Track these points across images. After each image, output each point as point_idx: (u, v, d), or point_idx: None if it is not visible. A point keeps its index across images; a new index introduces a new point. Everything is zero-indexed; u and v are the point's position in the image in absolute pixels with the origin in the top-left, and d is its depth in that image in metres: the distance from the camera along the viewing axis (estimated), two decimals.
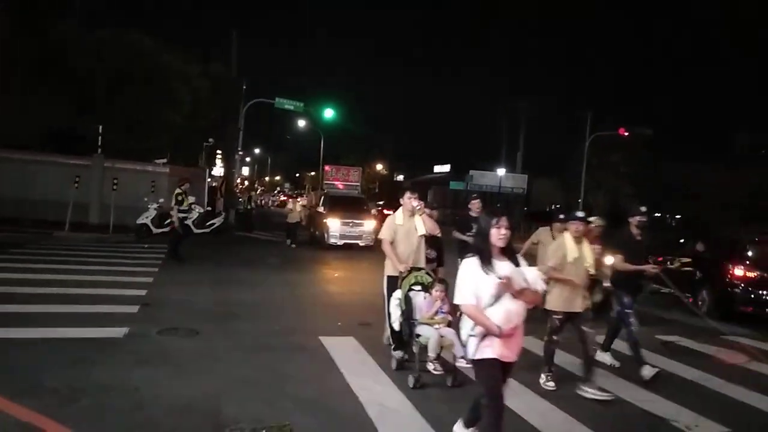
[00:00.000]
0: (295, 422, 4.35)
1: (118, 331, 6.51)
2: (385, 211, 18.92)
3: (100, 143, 19.95)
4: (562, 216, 8.01)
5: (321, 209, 19.02)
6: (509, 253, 3.64)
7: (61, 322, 6.71)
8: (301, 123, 37.29)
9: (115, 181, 17.39)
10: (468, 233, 8.14)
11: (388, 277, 6.20)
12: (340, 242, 17.39)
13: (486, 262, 3.52)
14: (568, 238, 5.76)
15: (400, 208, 6.36)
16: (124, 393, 4.73)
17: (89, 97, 21.63)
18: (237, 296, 9.26)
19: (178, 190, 13.05)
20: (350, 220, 17.74)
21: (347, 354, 6.29)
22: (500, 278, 3.43)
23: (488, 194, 40.95)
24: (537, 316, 5.37)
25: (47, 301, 7.71)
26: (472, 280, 3.51)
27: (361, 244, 17.60)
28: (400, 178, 62.78)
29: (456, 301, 3.56)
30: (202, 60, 26.28)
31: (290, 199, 21.95)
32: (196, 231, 18.40)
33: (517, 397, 5.24)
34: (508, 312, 3.47)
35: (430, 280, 5.96)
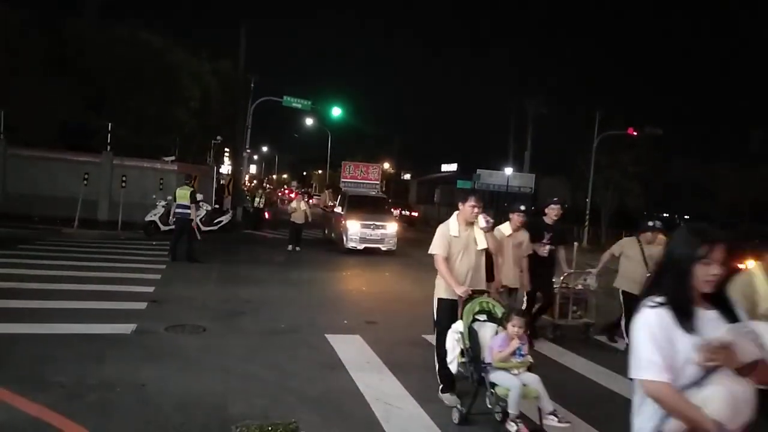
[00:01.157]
0: (300, 419, 4.38)
1: (126, 328, 6.56)
2: (392, 211, 17.77)
3: (109, 140, 20.07)
4: (652, 223, 7.21)
5: (338, 210, 17.41)
6: (719, 298, 2.21)
7: (69, 318, 6.77)
8: (309, 121, 37.33)
9: (124, 178, 17.50)
10: (544, 242, 7.29)
11: (441, 300, 5.17)
12: (360, 246, 15.90)
13: (686, 316, 2.14)
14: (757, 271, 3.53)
15: (454, 216, 5.29)
16: (132, 389, 4.77)
17: (101, 95, 21.80)
18: (244, 293, 9.30)
19: (189, 189, 12.66)
20: (371, 222, 16.12)
21: (353, 352, 6.31)
22: (710, 342, 2.04)
23: (495, 193, 40.93)
24: None
25: (56, 297, 7.78)
26: (662, 344, 2.09)
27: (383, 249, 16.19)
28: (407, 176, 62.73)
29: (635, 375, 2.14)
30: (211, 57, 26.41)
31: (295, 196, 19.07)
32: (204, 229, 18.55)
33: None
34: (732, 398, 2.01)
35: (500, 308, 4.83)
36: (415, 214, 42.31)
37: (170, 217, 15.08)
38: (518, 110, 39.92)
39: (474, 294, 4.89)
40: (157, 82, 21.86)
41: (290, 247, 15.93)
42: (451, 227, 5.20)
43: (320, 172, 75.56)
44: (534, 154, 40.90)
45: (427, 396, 5.07)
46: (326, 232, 19.12)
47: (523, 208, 7.13)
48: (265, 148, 75.68)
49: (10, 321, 6.45)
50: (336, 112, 27.42)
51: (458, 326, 4.73)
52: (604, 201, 32.68)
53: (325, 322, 7.72)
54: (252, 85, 26.18)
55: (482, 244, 5.19)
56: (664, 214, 50.57)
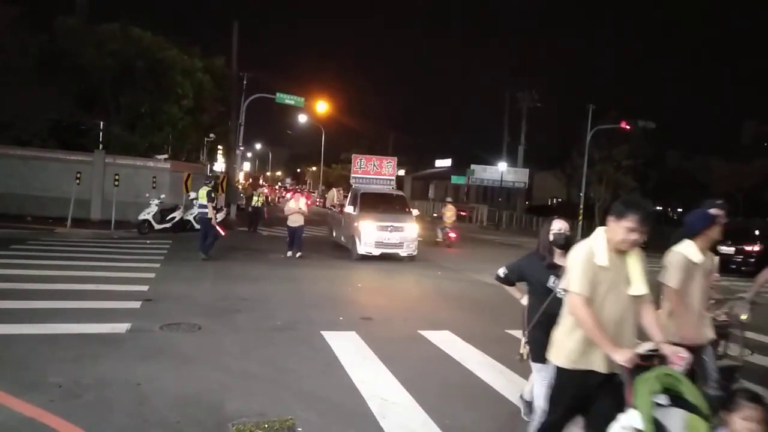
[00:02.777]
0: (297, 416, 4.38)
1: (121, 327, 6.54)
2: (412, 211, 15.45)
3: (101, 139, 19.97)
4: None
5: (349, 209, 15.06)
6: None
7: (64, 318, 6.74)
8: (303, 118, 37.25)
9: (117, 177, 17.42)
10: None
11: (562, 371, 3.25)
12: (376, 252, 13.93)
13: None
14: None
15: (598, 234, 3.30)
16: (128, 388, 4.76)
17: (93, 93, 21.66)
18: (239, 291, 9.28)
19: (208, 188, 12.83)
20: (389, 224, 14.08)
21: (349, 348, 6.32)
22: None
23: (489, 188, 41.01)
24: None
25: (50, 297, 7.74)
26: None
27: (402, 254, 14.29)
28: (402, 172, 62.71)
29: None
30: (204, 54, 26.30)
31: (292, 194, 16.27)
32: (197, 226, 18.50)
33: (517, 387, 5.27)
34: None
35: (689, 385, 2.91)
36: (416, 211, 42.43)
37: (193, 216, 16.36)
38: (512, 105, 39.95)
39: (644, 361, 2.99)
40: (149, 80, 21.73)
41: (289, 253, 13.92)
42: (596, 251, 3.22)
43: (314, 168, 75.42)
44: (528, 149, 41.02)
45: (423, 391, 5.08)
46: (334, 234, 17.31)
47: (719, 202, 4.26)
48: (258, 145, 75.54)
49: (3, 322, 6.42)
50: (327, 108, 27.53)
51: (631, 419, 2.82)
52: (598, 195, 32.80)
53: (321, 318, 7.72)
54: (244, 82, 26.10)
55: (640, 287, 3.24)
56: (658, 208, 50.87)
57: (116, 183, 17.26)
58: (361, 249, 13.92)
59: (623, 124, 28.64)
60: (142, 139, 22.57)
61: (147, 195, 17.74)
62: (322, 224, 20.32)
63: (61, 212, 16.70)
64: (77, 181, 16.80)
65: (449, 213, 20.27)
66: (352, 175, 17.07)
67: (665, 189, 44.75)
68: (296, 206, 14.00)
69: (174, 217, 17.83)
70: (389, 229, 14.08)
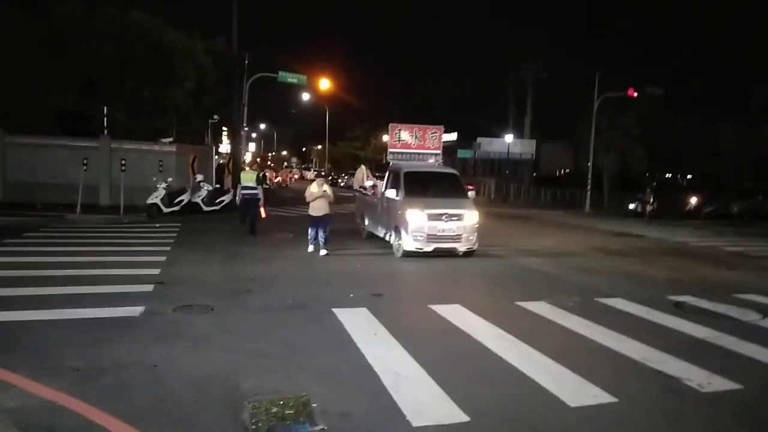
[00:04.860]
0: (311, 392, 4.43)
1: (135, 310, 6.62)
2: (469, 192, 12.63)
3: (106, 124, 19.98)
4: None
5: (390, 193, 12.06)
6: None
7: (78, 303, 6.83)
8: (306, 96, 36.95)
9: (123, 162, 17.47)
10: None
11: None
12: (428, 247, 11.07)
13: None
14: None
15: None
16: (144, 370, 4.83)
17: (95, 78, 21.60)
18: (249, 271, 9.35)
19: (256, 172, 14.62)
20: (443, 211, 11.20)
21: (360, 324, 6.36)
22: None
23: (496, 161, 40.74)
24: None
25: (63, 283, 7.83)
26: None
27: (460, 250, 11.36)
28: None
29: None
30: (204, 36, 26.10)
31: (315, 178, 14.43)
32: (206, 209, 18.58)
33: (527, 357, 5.31)
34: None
35: None
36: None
37: (237, 198, 16.03)
38: (517, 76, 39.44)
39: None
40: (150, 63, 21.63)
41: (311, 247, 11.60)
42: None
43: (319, 147, 75.22)
44: (534, 120, 40.64)
45: (435, 364, 5.12)
46: (366, 223, 14.11)
47: None
48: (263, 126, 75.23)
49: (20, 308, 6.51)
50: (330, 85, 27.28)
51: None
52: (607, 164, 32.50)
53: (331, 296, 7.77)
54: (246, 61, 25.88)
55: None
56: (667, 175, 50.44)
57: (123, 168, 17.31)
58: (409, 244, 11.09)
59: (630, 92, 28.21)
60: (146, 123, 22.57)
61: (154, 179, 17.80)
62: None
63: (70, 199, 16.80)
64: (84, 167, 16.87)
65: None
66: (390, 149, 14.08)
67: (675, 156, 44.29)
68: (319, 190, 11.41)
69: (182, 200, 17.90)
70: (444, 217, 11.15)
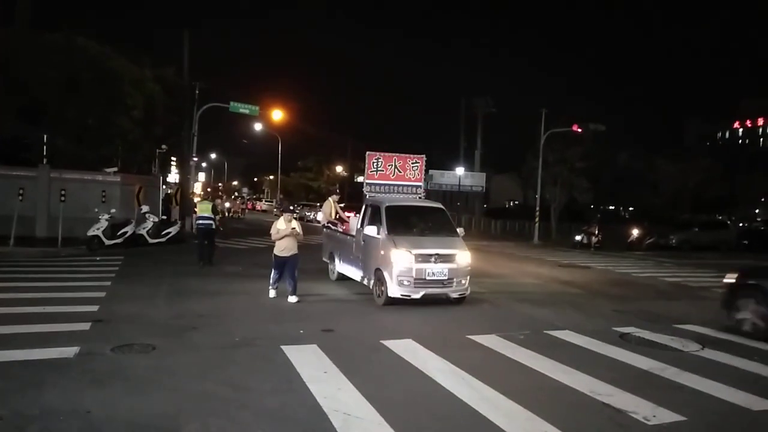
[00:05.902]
0: None
1: (69, 351, 6.22)
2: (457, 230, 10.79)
3: (45, 152, 19.16)
4: None
5: (371, 231, 10.39)
6: None
7: (6, 344, 6.37)
8: (258, 127, 36.73)
9: (63, 192, 16.71)
10: None
11: None
12: (416, 294, 9.63)
13: None
14: None
15: None
16: (77, 416, 4.52)
17: (36, 105, 20.77)
18: (195, 307, 9.01)
19: (209, 203, 15.15)
20: (433, 251, 9.83)
21: (310, 362, 6.20)
22: None
23: (448, 193, 41.42)
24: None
25: None
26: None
27: (453, 297, 10.04)
28: (361, 179, 62.63)
29: None
30: (154, 64, 25.65)
31: (281, 212, 13.26)
32: (151, 241, 17.96)
33: (478, 394, 5.28)
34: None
35: None
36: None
37: (193, 228, 16.58)
38: (468, 111, 40.53)
39: None
40: (96, 90, 21.00)
41: (272, 292, 10.22)
42: None
43: (272, 177, 74.56)
44: (484, 153, 41.69)
45: (386, 403, 5.01)
46: (337, 263, 12.35)
47: None
48: (213, 155, 74.13)
49: None
50: (284, 115, 27.37)
51: None
52: (554, 197, 33.55)
53: (281, 332, 7.57)
54: (197, 91, 25.58)
55: None
56: (611, 207, 52.46)
57: (63, 198, 16.56)
58: (394, 290, 9.62)
59: (575, 128, 29.48)
60: (90, 151, 21.79)
61: (96, 210, 17.08)
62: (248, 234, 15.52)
63: (3, 231, 15.89)
64: (20, 197, 16.06)
65: None
66: (366, 180, 12.49)
67: (617, 189, 46.27)
68: (287, 227, 10.00)
69: (126, 232, 17.25)
70: (434, 258, 9.76)
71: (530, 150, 32.97)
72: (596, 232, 25.47)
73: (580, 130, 29.60)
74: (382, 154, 12.60)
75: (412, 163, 12.73)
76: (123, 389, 5.18)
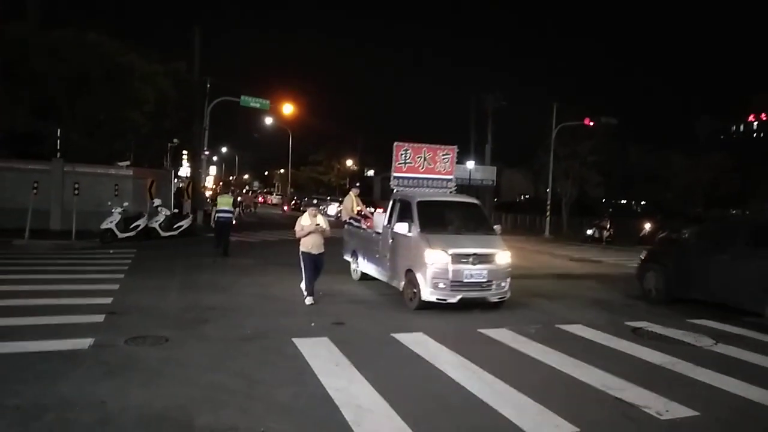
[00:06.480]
0: (269, 428, 4.28)
1: (83, 342, 6.30)
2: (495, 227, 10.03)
3: (59, 146, 19.33)
4: None
5: (401, 229, 9.56)
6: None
7: (23, 335, 6.45)
8: (269, 121, 36.80)
9: (76, 186, 16.87)
10: None
11: None
12: (454, 298, 8.80)
13: None
14: None
15: None
16: (91, 407, 4.57)
17: (49, 100, 20.96)
18: (207, 300, 9.07)
19: (230, 197, 16.04)
20: (470, 251, 8.98)
21: (321, 355, 6.22)
22: None
23: (458, 187, 41.40)
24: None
25: (8, 314, 7.42)
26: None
27: (492, 300, 9.15)
28: (371, 173, 62.66)
29: None
30: (165, 59, 25.76)
31: (306, 207, 12.79)
32: (163, 234, 18.10)
33: (489, 388, 5.28)
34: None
35: None
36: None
37: (211, 222, 16.24)
38: (478, 105, 40.29)
39: None
40: (107, 85, 21.13)
41: (309, 299, 9.25)
42: None
43: (282, 171, 74.74)
44: (495, 147, 41.41)
45: (397, 395, 5.02)
46: (360, 262, 11.70)
47: None
48: (224, 149, 74.38)
49: None
50: (288, 109, 27.43)
51: None
52: (565, 191, 33.35)
53: (292, 325, 7.60)
54: (208, 85, 25.66)
55: None
56: (622, 201, 52.05)
57: (76, 192, 16.72)
58: (427, 293, 8.79)
59: (587, 121, 29.21)
60: (102, 145, 21.96)
61: (109, 203, 17.25)
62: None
63: (18, 224, 16.08)
64: (34, 191, 16.24)
65: None
66: (393, 174, 11.54)
67: (628, 183, 45.86)
68: (311, 223, 9.32)
69: (138, 225, 17.40)
70: (471, 259, 8.90)
71: (541, 144, 32.79)
72: (608, 226, 25.30)
73: (592, 123, 29.33)
74: (410, 145, 11.61)
75: (443, 155, 11.75)
76: (136, 380, 5.23)
